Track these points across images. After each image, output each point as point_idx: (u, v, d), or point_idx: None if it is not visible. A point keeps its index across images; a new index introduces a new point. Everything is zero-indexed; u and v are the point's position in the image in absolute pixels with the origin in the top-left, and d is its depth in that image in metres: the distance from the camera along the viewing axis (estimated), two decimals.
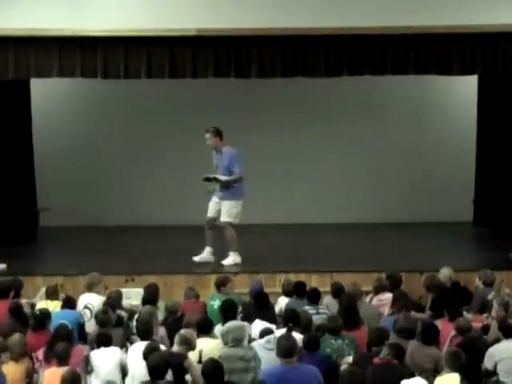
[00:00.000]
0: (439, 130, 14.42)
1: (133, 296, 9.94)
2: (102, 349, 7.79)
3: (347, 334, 8.17)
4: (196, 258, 11.25)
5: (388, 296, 9.32)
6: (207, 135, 11.20)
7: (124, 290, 9.76)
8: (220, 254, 11.30)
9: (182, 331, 7.70)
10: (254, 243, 12.45)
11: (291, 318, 8.21)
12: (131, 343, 8.14)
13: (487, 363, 7.60)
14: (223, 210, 11.22)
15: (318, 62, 11.14)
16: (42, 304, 9.18)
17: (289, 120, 14.17)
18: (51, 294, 9.39)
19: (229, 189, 11.19)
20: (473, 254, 12.48)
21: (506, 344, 7.70)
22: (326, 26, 10.82)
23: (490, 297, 9.19)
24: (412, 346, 7.79)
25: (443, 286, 9.59)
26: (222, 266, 11.16)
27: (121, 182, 14.25)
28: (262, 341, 7.79)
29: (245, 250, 11.45)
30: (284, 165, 14.09)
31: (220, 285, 9.58)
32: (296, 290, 9.41)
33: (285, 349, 7.23)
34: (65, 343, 7.63)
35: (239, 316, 8.74)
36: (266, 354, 7.61)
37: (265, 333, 8.01)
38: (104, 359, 7.69)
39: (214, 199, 11.32)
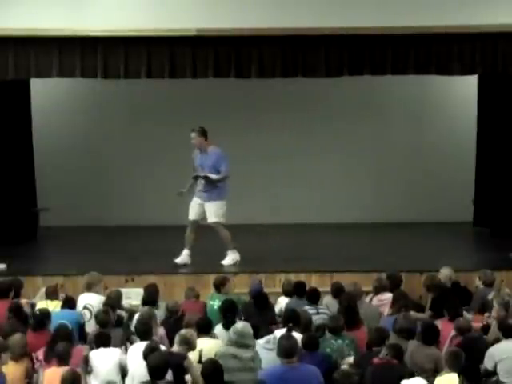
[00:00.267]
0: (439, 130, 14.41)
1: (133, 296, 9.95)
2: (102, 349, 7.78)
3: (347, 334, 8.18)
4: (177, 260, 11.25)
5: (388, 296, 9.32)
6: (193, 134, 11.18)
7: (124, 290, 9.76)
8: (219, 254, 11.30)
9: (183, 331, 7.71)
10: (254, 243, 12.47)
11: (291, 318, 8.21)
12: (131, 343, 8.14)
13: (487, 363, 7.60)
14: (210, 210, 11.19)
15: (318, 62, 11.14)
16: (41, 304, 9.18)
17: (289, 120, 14.17)
18: (51, 294, 9.39)
19: (215, 189, 11.16)
20: (473, 254, 12.48)
21: (506, 344, 7.70)
22: (326, 25, 10.82)
23: (490, 297, 9.19)
24: (412, 346, 7.80)
25: (443, 286, 9.59)
26: (222, 266, 11.16)
27: (121, 182, 14.24)
28: (262, 341, 7.80)
29: (245, 250, 11.45)
30: (284, 165, 14.08)
31: (219, 285, 9.58)
32: (296, 290, 9.41)
33: (285, 349, 7.24)
34: (65, 343, 7.63)
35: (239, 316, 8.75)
36: (265, 354, 7.62)
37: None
38: (103, 359, 7.68)
39: (196, 201, 11.27)
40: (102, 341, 7.84)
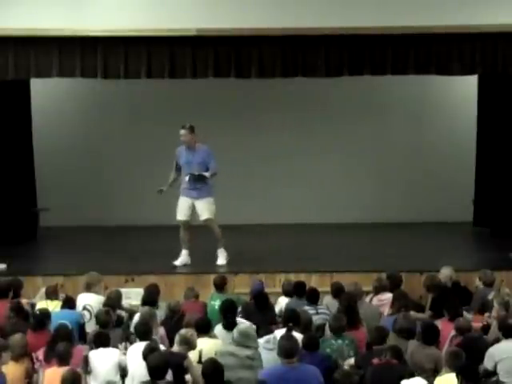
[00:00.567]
0: (439, 130, 14.41)
1: (133, 296, 9.95)
2: (101, 349, 7.78)
3: (347, 334, 8.17)
4: (177, 263, 11.25)
5: (388, 296, 9.32)
6: (183, 131, 11.16)
7: (124, 290, 9.77)
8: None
9: (182, 331, 7.71)
10: (254, 243, 12.48)
11: (291, 318, 8.21)
12: (131, 343, 8.14)
13: (487, 363, 7.60)
14: (202, 208, 11.18)
15: (317, 62, 11.14)
16: (42, 304, 9.18)
17: (289, 120, 14.17)
18: (51, 294, 9.39)
19: (205, 186, 11.15)
20: (473, 254, 12.48)
21: (506, 344, 7.69)
22: (326, 26, 10.82)
23: (490, 297, 9.19)
24: (412, 346, 7.80)
25: (443, 286, 9.59)
26: (221, 266, 11.16)
27: (121, 182, 14.24)
28: (262, 341, 7.80)
29: (245, 250, 11.46)
30: (284, 165, 14.09)
31: (219, 285, 9.59)
32: (296, 290, 9.41)
33: (286, 349, 7.24)
34: (66, 343, 7.63)
35: (239, 316, 8.74)
36: (265, 353, 7.62)
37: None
38: (102, 360, 7.68)
39: (185, 200, 11.25)
40: (101, 341, 7.84)
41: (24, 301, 9.29)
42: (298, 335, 7.84)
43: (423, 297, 10.05)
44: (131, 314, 9.15)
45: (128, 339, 8.31)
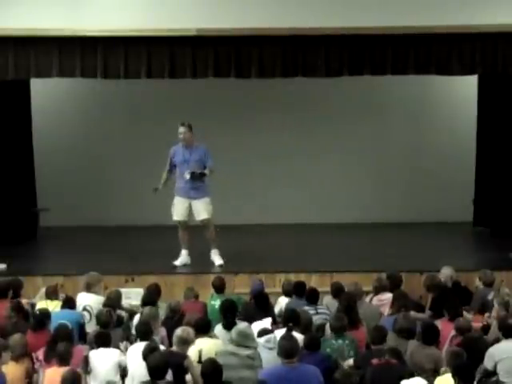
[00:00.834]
0: (439, 130, 14.40)
1: (133, 296, 9.95)
2: (101, 349, 7.78)
3: (347, 334, 8.17)
4: (177, 263, 11.25)
5: (388, 296, 9.32)
6: (183, 129, 11.15)
7: (124, 290, 9.77)
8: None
9: (178, 331, 7.67)
10: (254, 243, 12.47)
11: (291, 318, 8.21)
12: (131, 343, 8.14)
13: (487, 363, 7.59)
14: (200, 207, 11.16)
15: (318, 62, 11.14)
16: (42, 304, 9.18)
17: (289, 120, 14.16)
18: (51, 294, 9.39)
19: (202, 185, 11.14)
20: (473, 254, 12.48)
21: (506, 344, 7.69)
22: (327, 26, 10.82)
23: (490, 297, 9.20)
24: (412, 346, 7.80)
25: (443, 286, 9.59)
26: (221, 266, 11.16)
27: (121, 182, 14.23)
28: (262, 340, 7.80)
29: (245, 250, 11.46)
30: (284, 165, 14.08)
31: (218, 287, 9.58)
32: (296, 290, 9.41)
33: (286, 349, 7.24)
34: (66, 343, 7.63)
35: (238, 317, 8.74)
36: (265, 353, 7.62)
37: (263, 333, 8.00)
38: (102, 360, 7.68)
39: (182, 200, 11.23)
40: (102, 340, 7.85)
41: (24, 301, 9.29)
42: (298, 335, 7.85)
43: (423, 297, 10.05)
44: (131, 314, 9.15)
45: (128, 339, 8.32)
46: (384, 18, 10.84)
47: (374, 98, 14.22)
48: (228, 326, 8.17)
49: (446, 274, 9.84)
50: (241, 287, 10.34)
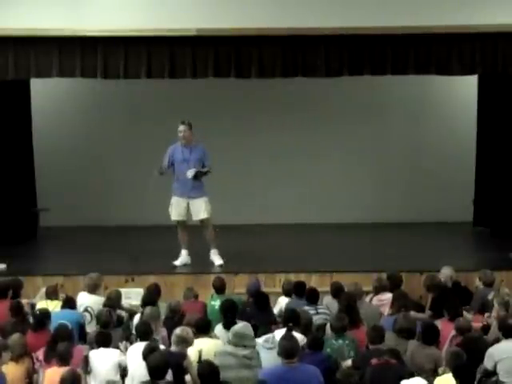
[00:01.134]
0: (439, 130, 14.40)
1: (133, 296, 9.95)
2: (101, 349, 7.78)
3: (347, 334, 8.17)
4: (177, 263, 11.24)
5: (388, 296, 9.32)
6: (183, 127, 11.14)
7: (124, 290, 9.77)
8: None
9: (177, 331, 7.68)
10: (254, 243, 12.47)
11: (291, 318, 8.21)
12: (131, 343, 8.14)
13: (487, 363, 7.60)
14: (200, 207, 11.14)
15: (317, 62, 11.14)
16: (42, 304, 9.18)
17: (289, 120, 14.16)
18: (51, 294, 9.39)
19: (201, 184, 11.13)
20: (473, 254, 12.48)
21: (506, 344, 7.69)
22: (327, 26, 10.82)
23: (490, 297, 9.19)
24: (412, 346, 7.80)
25: (443, 286, 9.59)
26: (221, 266, 11.16)
27: (121, 182, 14.23)
28: (261, 340, 7.80)
29: (245, 250, 11.45)
30: (284, 165, 14.08)
31: (219, 288, 9.58)
32: (296, 290, 9.41)
33: (286, 349, 7.24)
34: (66, 343, 7.63)
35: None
36: (265, 353, 7.63)
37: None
38: (102, 360, 7.69)
39: (179, 200, 11.20)
40: (102, 340, 7.85)
41: (24, 301, 9.29)
42: (298, 335, 7.85)
43: (423, 297, 10.05)
44: (131, 314, 9.15)
45: (128, 339, 8.32)
46: (383, 18, 10.84)
47: (374, 98, 14.21)
48: (228, 326, 8.16)
49: (445, 274, 9.85)
50: (241, 287, 10.33)
